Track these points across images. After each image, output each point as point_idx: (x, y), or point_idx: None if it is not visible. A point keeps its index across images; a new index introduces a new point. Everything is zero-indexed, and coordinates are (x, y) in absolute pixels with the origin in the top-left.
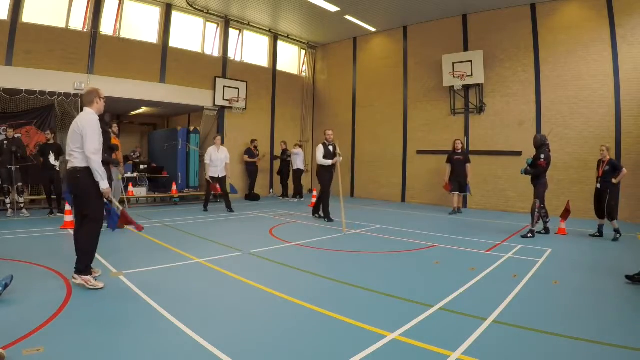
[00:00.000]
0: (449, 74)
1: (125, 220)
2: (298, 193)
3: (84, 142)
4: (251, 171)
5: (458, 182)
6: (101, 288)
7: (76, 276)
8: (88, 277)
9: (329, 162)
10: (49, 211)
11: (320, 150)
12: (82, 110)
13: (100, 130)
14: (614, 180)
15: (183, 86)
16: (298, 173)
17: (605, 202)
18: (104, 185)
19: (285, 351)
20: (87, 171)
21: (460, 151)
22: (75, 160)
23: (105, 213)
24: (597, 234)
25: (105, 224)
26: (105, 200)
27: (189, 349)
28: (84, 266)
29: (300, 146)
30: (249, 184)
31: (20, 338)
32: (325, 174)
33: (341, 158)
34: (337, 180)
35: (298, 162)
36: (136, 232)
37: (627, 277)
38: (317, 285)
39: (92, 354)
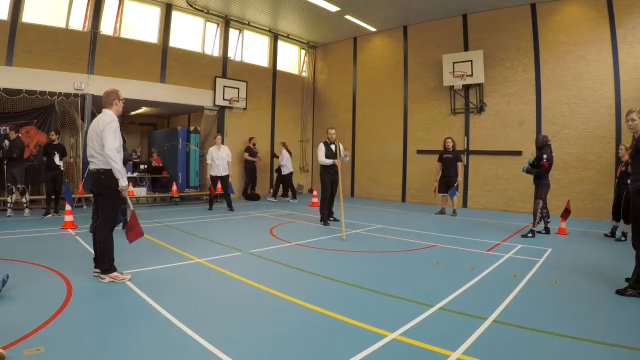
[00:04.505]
0: (449, 74)
1: (133, 227)
2: (292, 194)
3: (104, 142)
4: (251, 170)
5: (446, 182)
6: (130, 279)
7: (103, 276)
8: (115, 274)
9: (330, 161)
10: (45, 211)
11: (321, 150)
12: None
13: (119, 131)
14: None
15: (183, 86)
16: (289, 176)
17: (622, 205)
18: (123, 182)
19: (285, 351)
20: (111, 172)
21: (451, 149)
22: (99, 162)
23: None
24: (623, 237)
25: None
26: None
27: (189, 348)
28: (108, 266)
29: (286, 147)
30: (250, 183)
31: (20, 338)
32: (326, 175)
33: (348, 158)
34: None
35: (287, 166)
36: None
37: (618, 291)
38: (317, 285)
39: (92, 354)
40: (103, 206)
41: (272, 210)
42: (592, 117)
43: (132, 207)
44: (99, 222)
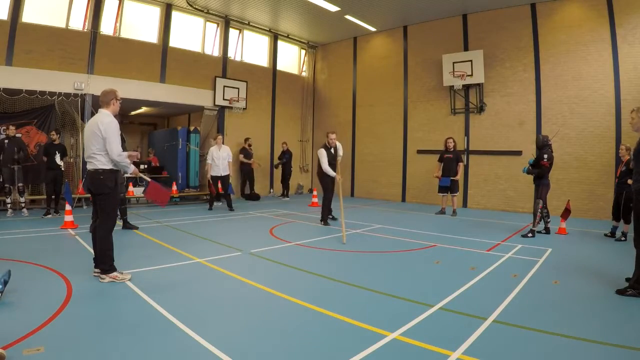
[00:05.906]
0: (449, 74)
1: (155, 192)
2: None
3: (108, 147)
4: (247, 171)
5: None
6: (130, 279)
7: (103, 276)
8: (115, 274)
9: (333, 173)
10: (45, 211)
11: (324, 156)
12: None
13: (119, 131)
14: (629, 181)
15: (183, 86)
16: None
17: (622, 205)
18: (131, 169)
19: (285, 351)
20: (109, 172)
21: (452, 150)
22: (97, 162)
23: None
24: (623, 237)
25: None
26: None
27: (189, 348)
28: (108, 266)
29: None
30: (248, 184)
31: (20, 338)
32: (326, 178)
33: (341, 154)
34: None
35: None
36: (136, 232)
37: (618, 291)
38: (317, 285)
39: (92, 354)
40: (102, 206)
41: (272, 210)
42: (592, 117)
43: (149, 180)
44: (99, 222)
